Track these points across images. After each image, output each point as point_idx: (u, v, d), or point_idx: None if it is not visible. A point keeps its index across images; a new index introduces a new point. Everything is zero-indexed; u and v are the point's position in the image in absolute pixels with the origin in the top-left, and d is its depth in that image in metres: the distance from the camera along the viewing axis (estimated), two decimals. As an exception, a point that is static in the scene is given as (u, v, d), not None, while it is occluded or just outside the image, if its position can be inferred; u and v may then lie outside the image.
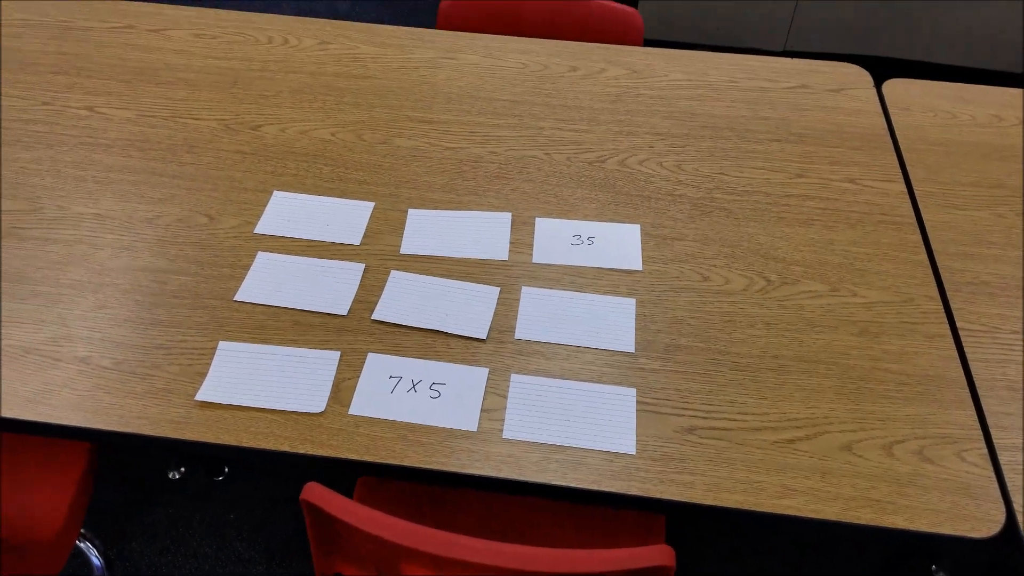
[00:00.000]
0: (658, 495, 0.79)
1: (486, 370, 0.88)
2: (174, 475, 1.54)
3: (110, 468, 1.54)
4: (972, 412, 0.85)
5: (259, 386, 0.86)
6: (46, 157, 1.11)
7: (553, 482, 0.79)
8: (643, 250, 1.00)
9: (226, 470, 1.55)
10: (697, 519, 0.80)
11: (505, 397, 0.85)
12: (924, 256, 1.00)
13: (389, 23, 2.77)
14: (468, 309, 0.93)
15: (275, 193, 1.06)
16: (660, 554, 0.71)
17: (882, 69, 2.33)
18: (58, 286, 0.94)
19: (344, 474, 0.81)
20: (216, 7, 1.28)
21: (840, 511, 0.77)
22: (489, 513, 0.98)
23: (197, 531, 1.46)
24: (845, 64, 1.29)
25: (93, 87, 1.23)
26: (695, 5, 2.33)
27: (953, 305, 0.95)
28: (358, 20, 2.80)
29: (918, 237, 1.02)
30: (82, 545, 1.29)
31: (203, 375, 0.86)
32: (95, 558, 1.31)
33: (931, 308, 0.95)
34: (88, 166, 1.10)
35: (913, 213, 1.05)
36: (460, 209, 1.05)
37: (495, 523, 0.97)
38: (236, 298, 0.93)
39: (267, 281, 0.96)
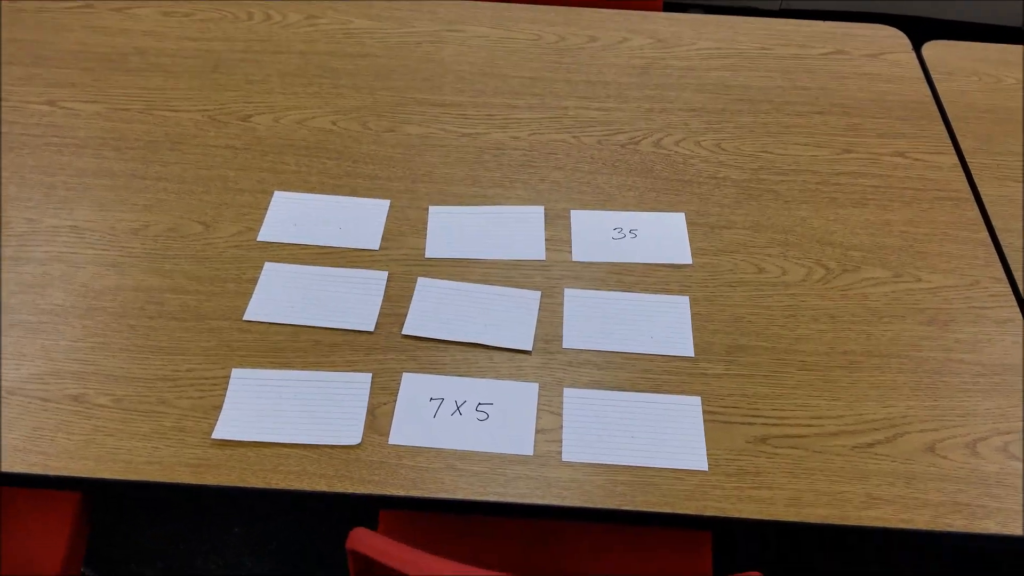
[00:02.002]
0: (737, 515, 0.72)
1: (536, 385, 0.79)
2: (170, 493, 1.43)
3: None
4: (1056, 403, 0.80)
5: (284, 418, 0.76)
6: (7, 163, 0.98)
7: (623, 507, 0.72)
8: (691, 241, 0.92)
9: (226, 485, 1.45)
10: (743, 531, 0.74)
11: (559, 415, 0.77)
12: (985, 234, 0.94)
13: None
14: (508, 317, 0.84)
15: (276, 193, 0.95)
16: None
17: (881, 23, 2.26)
18: (37, 313, 0.83)
19: (360, 498, 0.72)
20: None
21: (931, 519, 0.72)
22: (525, 537, 0.91)
23: (200, 549, 1.37)
24: (881, 26, 1.21)
25: (54, 78, 1.09)
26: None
27: (1021, 286, 0.89)
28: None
29: (976, 214, 0.96)
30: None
31: (218, 408, 0.76)
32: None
33: (999, 291, 0.89)
34: (57, 171, 0.97)
35: (969, 188, 0.99)
36: (486, 204, 0.95)
37: (535, 551, 0.90)
38: (246, 317, 0.83)
39: (279, 296, 0.85)
